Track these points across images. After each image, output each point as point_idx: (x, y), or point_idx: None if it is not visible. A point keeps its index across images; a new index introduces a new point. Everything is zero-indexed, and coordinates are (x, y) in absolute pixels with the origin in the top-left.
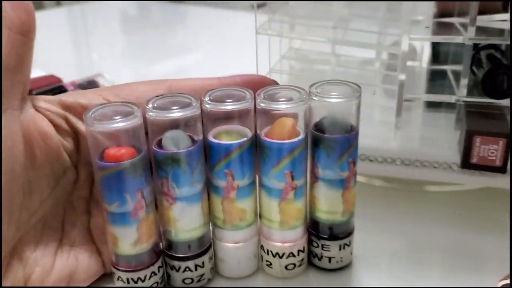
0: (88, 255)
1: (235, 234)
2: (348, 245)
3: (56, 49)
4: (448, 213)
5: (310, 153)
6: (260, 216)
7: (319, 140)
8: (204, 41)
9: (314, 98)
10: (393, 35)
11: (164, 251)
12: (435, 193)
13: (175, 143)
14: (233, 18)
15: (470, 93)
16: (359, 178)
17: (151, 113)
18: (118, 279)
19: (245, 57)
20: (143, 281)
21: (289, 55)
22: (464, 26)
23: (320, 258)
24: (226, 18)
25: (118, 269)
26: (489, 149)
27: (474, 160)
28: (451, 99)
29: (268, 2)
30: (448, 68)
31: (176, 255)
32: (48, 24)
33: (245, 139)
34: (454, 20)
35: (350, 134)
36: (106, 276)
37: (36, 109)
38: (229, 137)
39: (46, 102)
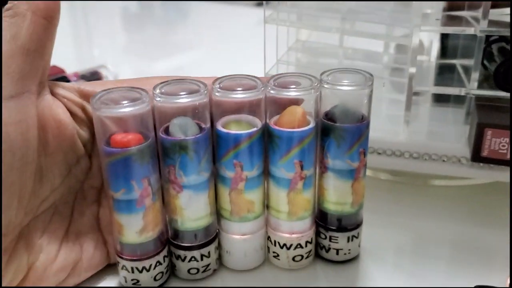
0: (94, 244)
1: (242, 226)
2: (357, 237)
3: (57, 44)
4: (454, 208)
5: (319, 143)
6: (268, 207)
7: (329, 129)
8: (206, 37)
9: (325, 86)
10: (404, 27)
11: (170, 240)
12: (441, 187)
13: (183, 130)
14: (235, 13)
15: (480, 86)
16: None
17: (158, 99)
18: (122, 268)
19: (248, 52)
20: (148, 270)
21: (296, 47)
22: (475, 19)
23: (327, 250)
24: (228, 13)
25: (122, 258)
26: (500, 142)
27: (485, 153)
28: (461, 91)
29: None
30: (457, 62)
31: (182, 244)
32: None
33: (255, 129)
34: (464, 13)
35: (361, 124)
36: (111, 267)
37: (54, 95)
38: (238, 126)
39: (64, 89)
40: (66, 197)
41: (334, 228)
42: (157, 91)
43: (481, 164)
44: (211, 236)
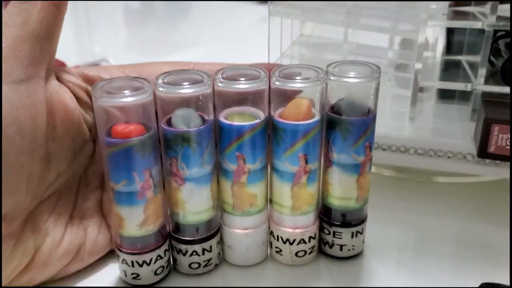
0: (97, 228)
1: (244, 220)
2: (361, 233)
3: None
4: (458, 205)
5: (324, 136)
6: (271, 201)
7: (335, 123)
8: (207, 34)
9: (332, 78)
10: (410, 22)
11: (171, 234)
12: (445, 184)
13: (186, 121)
14: (238, 11)
15: (486, 82)
16: None
17: (161, 89)
18: (122, 261)
19: (250, 50)
20: (148, 264)
21: (300, 41)
22: (482, 14)
23: (331, 246)
24: (230, 10)
25: (122, 251)
26: (507, 139)
27: (492, 149)
28: (467, 87)
29: None
30: (462, 58)
31: (183, 238)
32: None
33: (258, 120)
34: (471, 9)
35: (367, 117)
36: (113, 254)
37: (59, 80)
38: (241, 118)
39: (68, 74)
40: (70, 182)
41: (338, 223)
42: (160, 81)
43: (487, 160)
44: (213, 230)
